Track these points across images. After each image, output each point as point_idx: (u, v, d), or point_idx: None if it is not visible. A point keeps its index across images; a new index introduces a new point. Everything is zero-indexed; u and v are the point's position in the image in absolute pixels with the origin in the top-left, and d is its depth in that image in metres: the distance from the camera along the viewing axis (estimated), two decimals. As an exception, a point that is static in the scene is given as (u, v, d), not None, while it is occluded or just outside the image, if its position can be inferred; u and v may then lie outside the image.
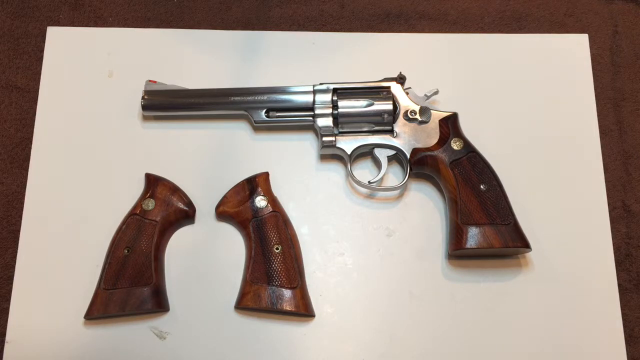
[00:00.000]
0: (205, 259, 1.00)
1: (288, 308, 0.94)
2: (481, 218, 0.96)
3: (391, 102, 1.02)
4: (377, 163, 1.04)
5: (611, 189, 1.06)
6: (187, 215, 1.01)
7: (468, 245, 0.95)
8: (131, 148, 1.06)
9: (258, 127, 1.06)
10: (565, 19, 1.17)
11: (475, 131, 1.04)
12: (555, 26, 1.17)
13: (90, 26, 1.14)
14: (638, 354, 0.98)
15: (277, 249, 0.97)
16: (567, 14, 1.17)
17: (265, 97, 1.04)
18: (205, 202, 1.03)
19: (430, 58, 1.13)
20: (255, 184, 1.01)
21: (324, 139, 1.02)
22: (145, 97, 1.04)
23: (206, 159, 1.06)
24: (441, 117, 1.02)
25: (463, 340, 0.97)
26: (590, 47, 1.14)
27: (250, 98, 1.04)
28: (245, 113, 1.04)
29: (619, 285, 1.01)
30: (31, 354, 0.95)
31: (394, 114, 1.02)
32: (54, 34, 1.13)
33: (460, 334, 0.98)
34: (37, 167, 1.05)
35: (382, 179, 1.03)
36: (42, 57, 1.11)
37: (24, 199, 1.03)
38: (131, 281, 0.95)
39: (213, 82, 1.08)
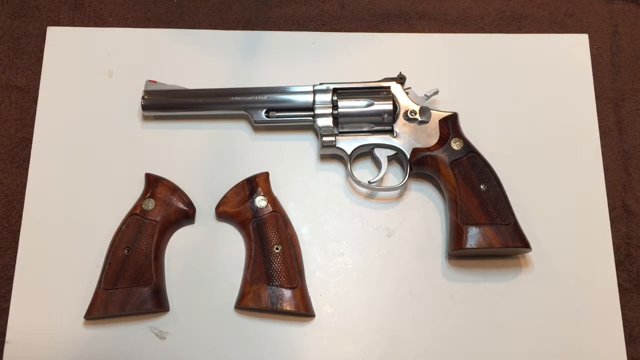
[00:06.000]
0: (205, 259, 1.01)
1: (288, 308, 0.94)
2: (481, 218, 0.96)
3: (391, 102, 1.02)
4: (377, 163, 1.04)
5: (611, 189, 1.06)
6: (187, 215, 1.01)
7: (468, 245, 0.95)
8: (131, 148, 1.06)
9: (258, 127, 1.06)
10: (565, 19, 1.17)
11: (475, 131, 1.04)
12: (555, 26, 1.17)
13: (90, 26, 1.14)
14: (638, 354, 0.98)
15: (277, 249, 0.97)
16: (567, 14, 1.17)
17: (265, 97, 1.04)
18: (205, 202, 1.03)
19: (430, 58, 1.13)
20: (255, 184, 1.01)
21: (324, 139, 1.02)
22: (145, 97, 1.04)
23: (206, 159, 1.06)
24: (441, 117, 1.02)
25: (463, 340, 0.97)
26: (590, 47, 1.14)
27: (250, 98, 1.04)
28: (245, 113, 1.04)
29: (619, 285, 1.01)
30: (31, 354, 0.95)
31: (394, 114, 1.02)
32: (54, 34, 1.13)
33: (460, 334, 0.98)
34: (37, 167, 1.05)
35: (382, 179, 1.03)
36: (42, 57, 1.11)
37: (24, 199, 1.03)
38: (131, 281, 0.95)
39: (213, 82, 1.08)
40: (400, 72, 1.04)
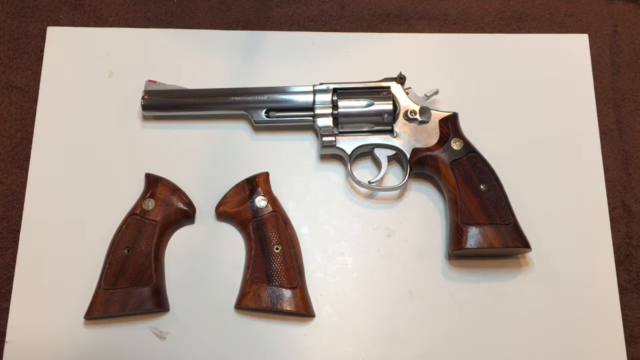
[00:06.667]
0: (205, 259, 1.00)
1: (288, 308, 0.94)
2: (481, 218, 0.96)
3: (391, 102, 1.02)
4: (377, 163, 1.04)
5: (611, 189, 1.06)
6: (187, 215, 1.01)
7: (468, 245, 0.95)
8: (131, 148, 1.06)
9: (258, 127, 1.06)
10: (565, 19, 1.17)
11: (475, 131, 1.04)
12: (555, 26, 1.17)
13: (90, 26, 1.14)
14: (638, 354, 0.98)
15: (277, 249, 0.97)
16: (567, 14, 1.17)
17: (265, 97, 1.04)
18: (205, 202, 1.03)
19: (430, 58, 1.13)
20: (255, 184, 1.01)
21: (324, 139, 1.02)
22: (145, 97, 1.04)
23: (206, 159, 1.06)
24: (441, 117, 1.02)
25: (463, 340, 0.97)
26: (590, 47, 1.14)
27: (250, 98, 1.04)
28: (245, 113, 1.04)
29: (619, 285, 1.01)
30: (31, 354, 0.95)
31: (394, 114, 1.02)
32: (54, 34, 1.13)
33: (460, 334, 0.98)
34: (37, 167, 1.05)
35: (382, 179, 1.03)
36: (42, 57, 1.11)
37: (24, 199, 1.03)
38: (131, 281, 0.95)
39: (213, 82, 1.08)
40: (400, 72, 1.04)
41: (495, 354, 0.97)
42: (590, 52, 1.14)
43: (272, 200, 1.00)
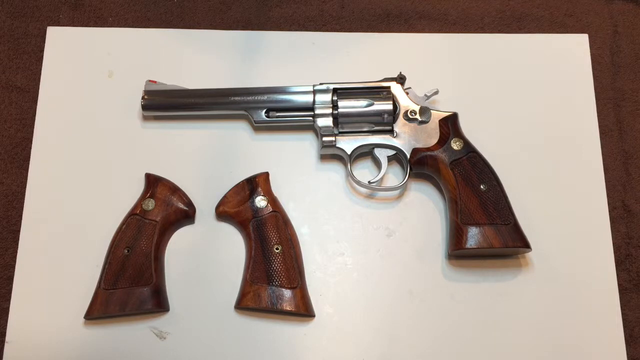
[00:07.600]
0: (205, 259, 1.01)
1: (288, 308, 0.94)
2: (481, 218, 0.96)
3: (391, 102, 1.02)
4: (377, 163, 1.04)
5: (611, 189, 1.06)
6: (187, 215, 1.01)
7: (468, 245, 0.95)
8: (131, 148, 1.06)
9: (258, 127, 1.06)
10: (565, 19, 1.17)
11: (475, 131, 1.04)
12: (555, 26, 1.17)
13: (90, 26, 1.14)
14: (638, 354, 0.98)
15: (277, 249, 0.97)
16: (567, 14, 1.17)
17: (265, 97, 1.04)
18: (205, 202, 1.03)
19: (430, 58, 1.13)
20: (255, 184, 1.01)
21: (324, 139, 1.02)
22: (145, 97, 1.04)
23: (206, 159, 1.06)
24: (441, 117, 1.02)
25: (463, 340, 0.97)
26: (590, 47, 1.14)
27: (250, 98, 1.04)
28: (245, 113, 1.04)
29: (619, 285, 1.01)
30: (31, 354, 0.95)
31: (394, 114, 1.02)
32: (54, 34, 1.13)
33: (460, 334, 0.98)
34: (37, 167, 1.05)
35: (382, 179, 1.03)
36: (42, 57, 1.11)
37: (24, 199, 1.03)
38: (131, 281, 0.95)
39: (213, 82, 1.08)
40: (400, 72, 1.04)
41: (495, 354, 0.97)
42: (590, 52, 1.14)
43: (272, 200, 1.00)
